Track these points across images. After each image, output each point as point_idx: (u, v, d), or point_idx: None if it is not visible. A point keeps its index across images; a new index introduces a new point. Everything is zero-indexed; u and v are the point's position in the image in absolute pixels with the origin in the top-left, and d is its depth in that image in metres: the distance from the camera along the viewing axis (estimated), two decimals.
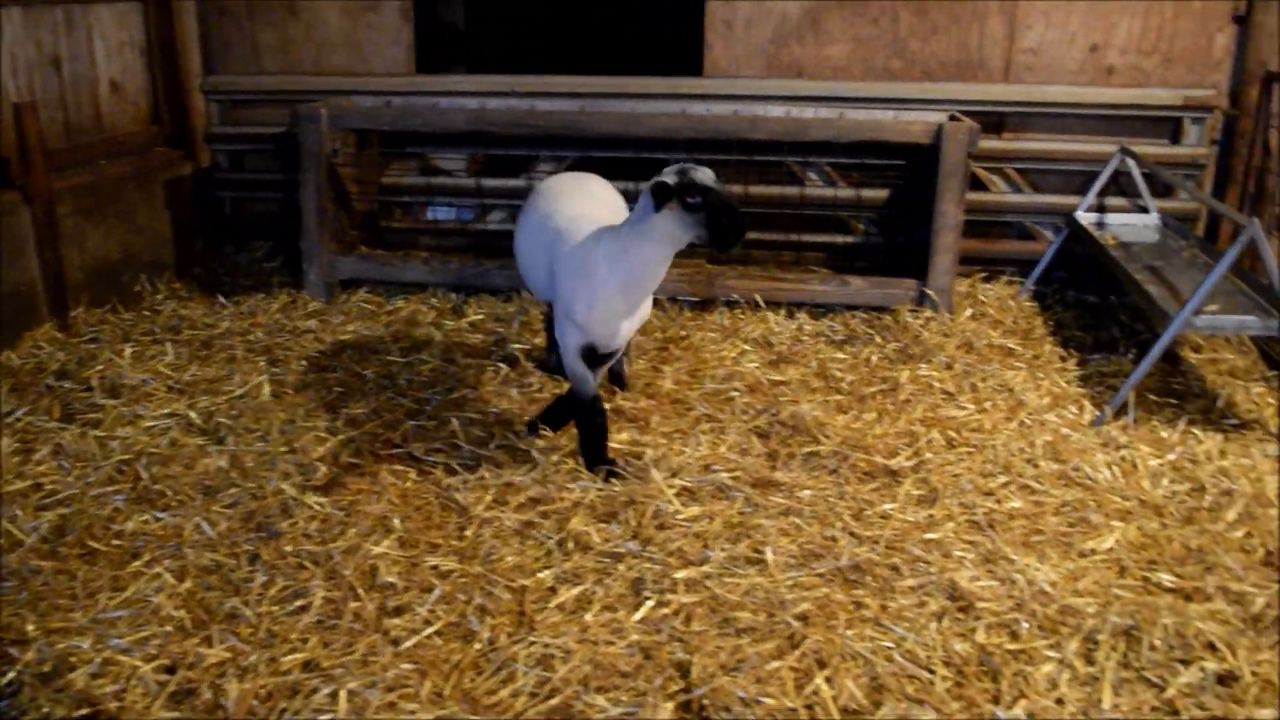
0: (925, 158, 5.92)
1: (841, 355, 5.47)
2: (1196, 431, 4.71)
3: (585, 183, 4.71)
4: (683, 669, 3.18)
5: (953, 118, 6.01)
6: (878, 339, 5.61)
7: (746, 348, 5.55)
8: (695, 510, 4.01)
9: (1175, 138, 6.33)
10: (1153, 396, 5.05)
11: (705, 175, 3.81)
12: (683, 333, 5.72)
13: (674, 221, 3.81)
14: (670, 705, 3.03)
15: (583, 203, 4.44)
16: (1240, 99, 6.17)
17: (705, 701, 3.03)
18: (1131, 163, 6.06)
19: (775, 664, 3.19)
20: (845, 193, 6.38)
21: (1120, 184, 6.36)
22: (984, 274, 6.52)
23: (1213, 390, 5.14)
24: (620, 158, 6.42)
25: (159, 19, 6.67)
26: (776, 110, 6.20)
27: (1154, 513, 4.09)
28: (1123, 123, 6.33)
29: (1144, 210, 6.21)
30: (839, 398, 4.99)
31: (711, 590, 3.55)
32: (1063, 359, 5.48)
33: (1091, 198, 6.15)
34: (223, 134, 7.07)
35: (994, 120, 6.40)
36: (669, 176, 3.78)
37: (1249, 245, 4.54)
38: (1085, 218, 6.15)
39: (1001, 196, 6.45)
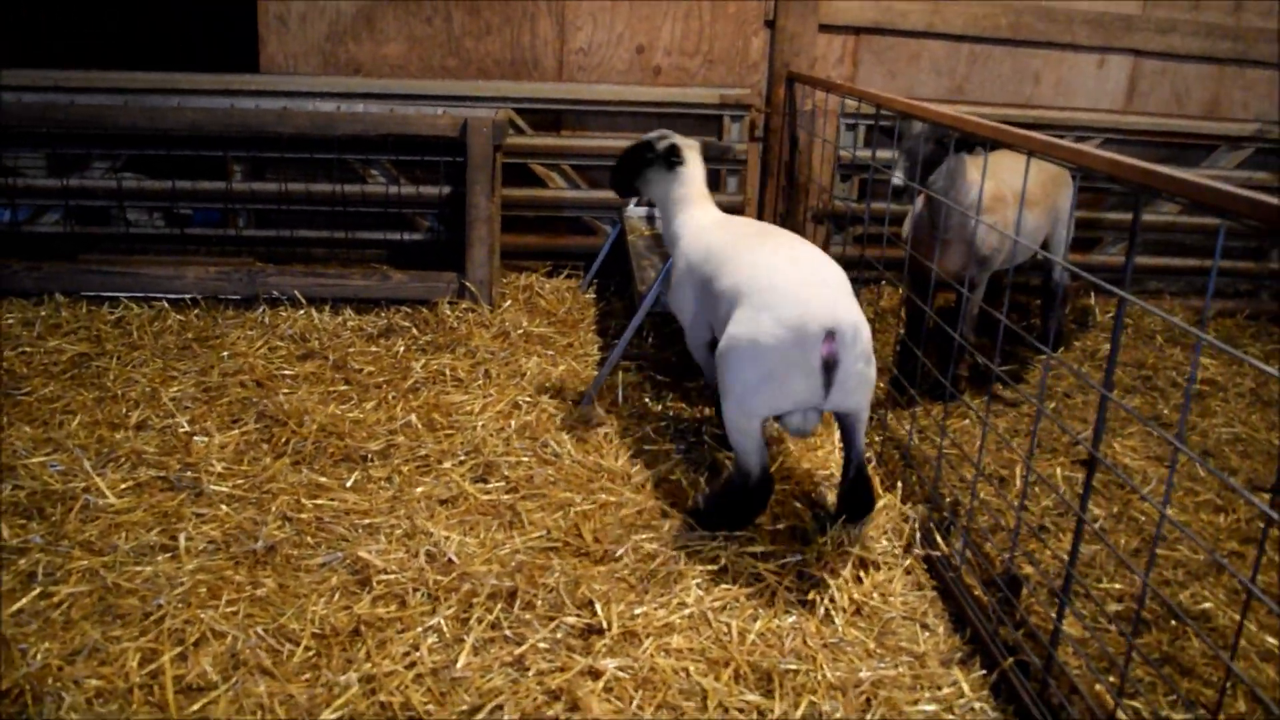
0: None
1: (373, 349, 5.47)
2: (680, 404, 4.98)
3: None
4: (27, 658, 3.08)
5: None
6: (414, 331, 5.66)
7: (279, 344, 5.47)
8: (129, 501, 3.91)
9: (720, 135, 6.69)
10: (659, 376, 5.30)
11: None
12: (218, 332, 5.58)
13: None
14: None
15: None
16: (771, 97, 6.59)
17: (26, 685, 2.94)
18: None
19: (125, 645, 3.13)
20: (405, 190, 6.40)
21: None
22: (549, 269, 6.70)
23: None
24: (183, 156, 6.27)
25: None
26: (327, 107, 6.16)
27: (616, 481, 4.28)
28: (671, 120, 6.62)
29: None
30: (344, 388, 4.98)
31: (105, 579, 3.45)
32: (598, 346, 5.69)
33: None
34: None
35: (551, 118, 6.59)
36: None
37: None
38: (634, 212, 6.42)
39: (559, 192, 6.64)
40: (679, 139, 4.57)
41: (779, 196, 6.69)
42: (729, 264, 3.97)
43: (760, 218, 6.79)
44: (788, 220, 6.76)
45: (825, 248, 6.91)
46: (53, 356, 5.20)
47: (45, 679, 2.97)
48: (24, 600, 3.33)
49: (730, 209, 6.16)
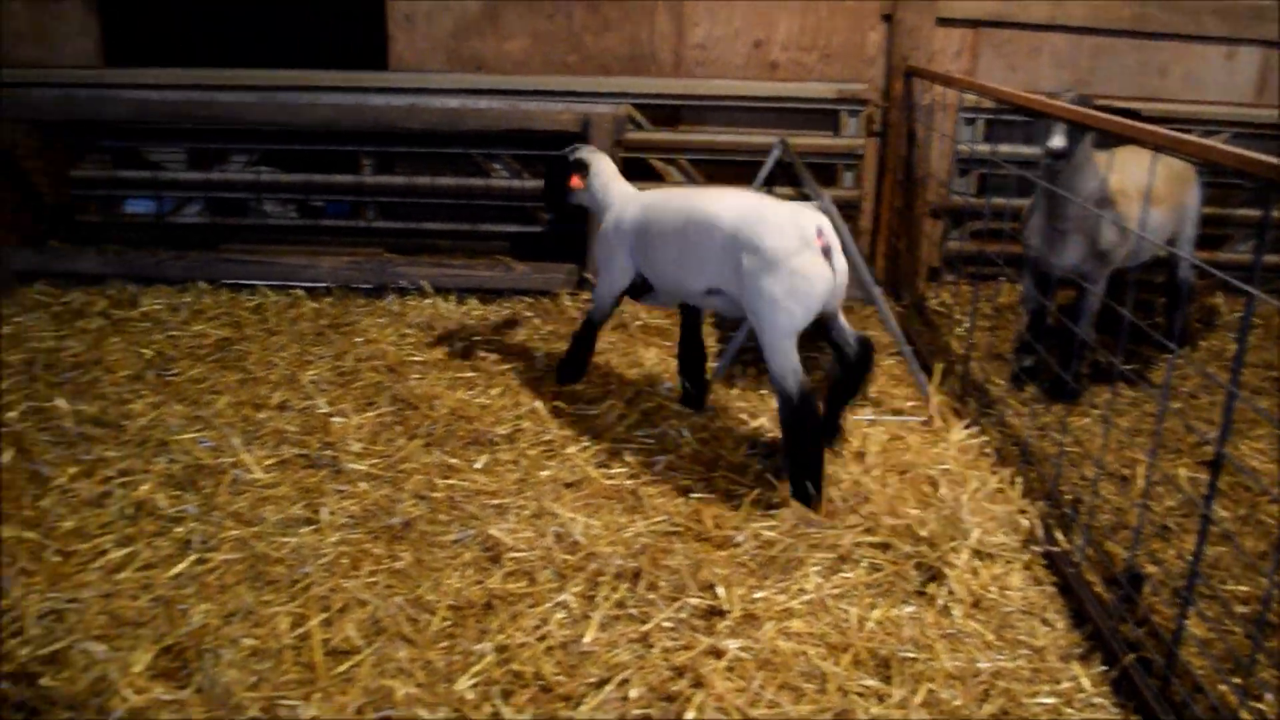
0: None
1: (498, 337, 5.66)
2: None
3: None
4: (187, 617, 3.30)
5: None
6: (536, 321, 5.83)
7: (409, 331, 5.70)
8: (274, 476, 4.14)
9: (836, 130, 6.71)
10: None
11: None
12: (350, 320, 5.83)
13: None
14: (154, 649, 3.13)
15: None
16: (889, 92, 6.59)
17: (187, 644, 3.15)
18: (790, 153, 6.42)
19: (276, 609, 3.34)
20: (528, 184, 6.58)
21: (790, 173, 6.72)
22: None
23: None
24: (315, 150, 6.56)
25: None
26: (454, 103, 6.36)
27: (734, 470, 4.37)
28: (789, 115, 6.68)
29: (806, 197, 6.57)
30: (471, 375, 5.16)
31: (255, 548, 3.67)
32: (715, 338, 5.77)
33: (757, 185, 6.48)
34: None
35: (669, 113, 6.70)
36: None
37: None
38: None
39: (677, 186, 6.73)
40: (583, 147, 4.98)
41: (895, 191, 6.68)
42: (699, 220, 4.30)
43: (877, 213, 6.80)
44: (905, 214, 6.75)
45: (942, 243, 6.89)
46: (198, 340, 5.50)
47: (204, 638, 3.18)
48: (182, 565, 3.58)
49: (846, 204, 6.23)
